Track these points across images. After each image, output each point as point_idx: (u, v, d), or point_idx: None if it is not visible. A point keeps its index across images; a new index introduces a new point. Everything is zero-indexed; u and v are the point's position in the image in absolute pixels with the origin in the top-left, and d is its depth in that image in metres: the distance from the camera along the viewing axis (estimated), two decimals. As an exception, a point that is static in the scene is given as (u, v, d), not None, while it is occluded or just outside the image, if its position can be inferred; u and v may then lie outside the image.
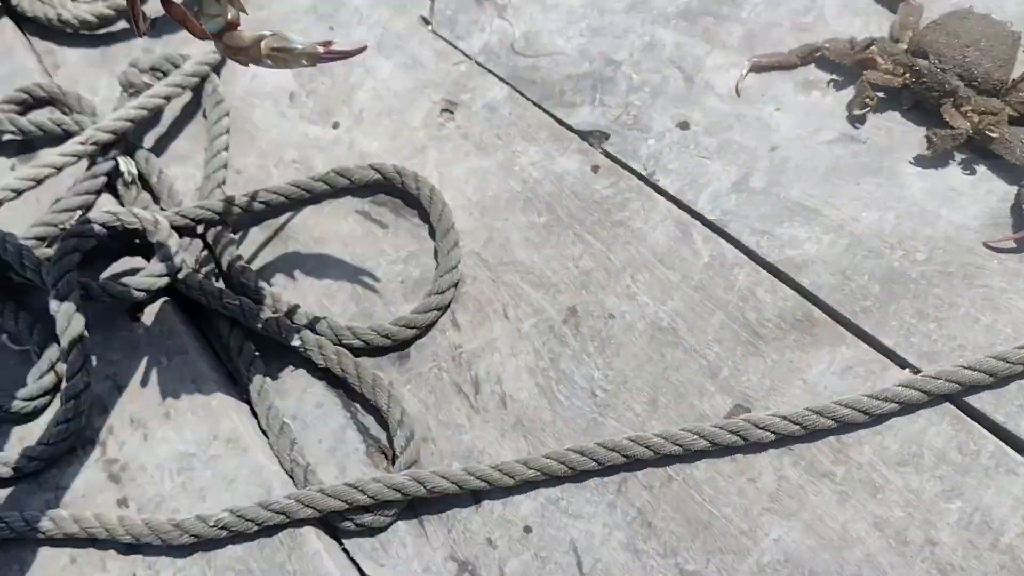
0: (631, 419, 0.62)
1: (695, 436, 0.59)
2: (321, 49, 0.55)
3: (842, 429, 0.59)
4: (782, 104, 0.73)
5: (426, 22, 0.83)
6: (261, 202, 0.73)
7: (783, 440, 0.59)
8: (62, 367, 0.67)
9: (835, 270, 0.64)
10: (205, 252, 0.74)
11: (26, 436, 0.68)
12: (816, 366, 0.62)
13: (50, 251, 0.71)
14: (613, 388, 0.63)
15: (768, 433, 0.59)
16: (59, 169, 0.73)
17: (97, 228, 0.70)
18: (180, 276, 0.70)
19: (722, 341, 0.64)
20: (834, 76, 0.73)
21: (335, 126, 0.79)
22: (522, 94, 0.77)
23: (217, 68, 0.82)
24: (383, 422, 0.64)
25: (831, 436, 0.59)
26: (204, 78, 0.80)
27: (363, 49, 0.56)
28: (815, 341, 0.62)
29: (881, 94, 0.71)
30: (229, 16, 0.55)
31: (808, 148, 0.70)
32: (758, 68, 0.75)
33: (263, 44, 0.55)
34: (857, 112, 0.70)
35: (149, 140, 0.81)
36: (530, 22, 0.81)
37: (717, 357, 0.63)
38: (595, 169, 0.72)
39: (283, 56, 0.55)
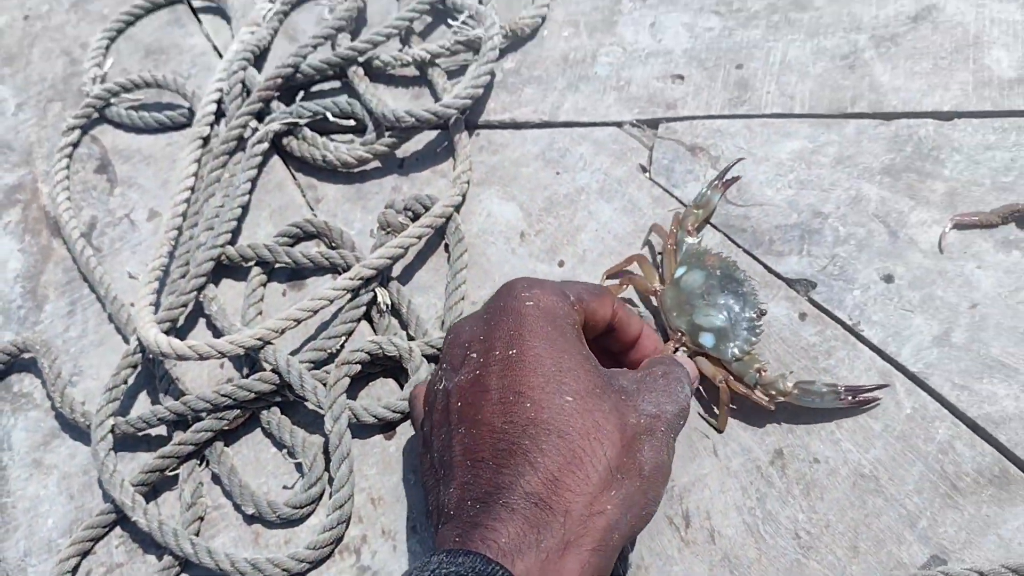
0: (832, 562, 0.71)
1: (894, 583, 0.68)
2: (843, 400, 0.76)
3: (1037, 587, 0.66)
4: (983, 262, 0.81)
5: (644, 170, 0.95)
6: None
7: (979, 593, 0.67)
8: (325, 476, 0.83)
9: (1033, 430, 0.72)
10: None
11: (292, 539, 0.84)
12: (1012, 522, 0.69)
13: (318, 372, 0.88)
14: (816, 531, 0.72)
15: (964, 585, 0.67)
16: (331, 301, 0.89)
17: (362, 356, 0.85)
18: (429, 400, 0.84)
19: (921, 492, 0.72)
20: (1035, 237, 0.81)
21: (560, 264, 0.92)
22: (733, 241, 0.88)
23: (458, 207, 0.97)
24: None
25: (1026, 593, 0.66)
26: (448, 218, 0.95)
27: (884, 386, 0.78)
28: (1011, 497, 0.70)
29: (1084, 256, 0.78)
30: (756, 366, 0.78)
31: (1009, 307, 0.78)
32: (960, 226, 0.83)
33: (792, 386, 0.77)
34: (1058, 275, 0.78)
35: (397, 269, 0.97)
36: (742, 173, 0.92)
37: (916, 507, 0.72)
38: (802, 317, 0.82)
39: (811, 394, 0.77)
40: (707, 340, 0.77)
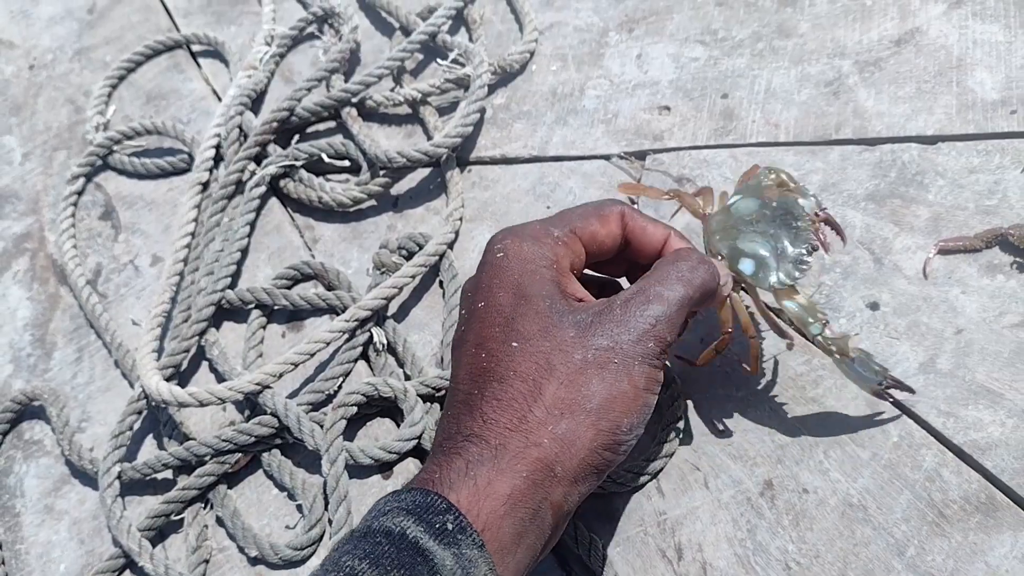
0: (822, 592, 0.72)
1: (882, 613, 0.68)
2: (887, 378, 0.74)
3: (1024, 615, 0.66)
4: (967, 287, 0.81)
5: (633, 202, 0.96)
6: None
7: (966, 623, 0.67)
8: (325, 518, 0.85)
9: (1018, 454, 0.72)
10: (443, 414, 0.90)
11: (296, 581, 0.85)
12: (999, 549, 0.70)
13: (316, 414, 0.89)
14: (806, 561, 0.73)
15: (952, 615, 0.67)
16: (328, 344, 0.91)
17: (358, 398, 0.87)
18: (424, 439, 0.86)
19: (909, 520, 0.73)
20: (1017, 259, 0.81)
21: (552, 299, 0.93)
22: (720, 272, 0.89)
23: (451, 244, 0.99)
24: (598, 583, 0.77)
25: (1013, 621, 0.67)
26: (442, 255, 0.97)
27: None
28: (998, 524, 0.70)
29: (1066, 278, 0.78)
30: (821, 317, 0.75)
31: (993, 332, 0.79)
32: (944, 251, 0.83)
33: (851, 341, 0.75)
34: (1042, 298, 0.78)
35: (393, 307, 0.98)
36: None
37: (904, 535, 0.72)
38: (789, 347, 0.82)
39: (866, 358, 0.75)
40: (746, 267, 0.74)
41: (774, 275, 0.74)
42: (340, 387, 0.93)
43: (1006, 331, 0.78)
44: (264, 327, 1.00)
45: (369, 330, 0.94)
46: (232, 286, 1.03)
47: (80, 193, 1.20)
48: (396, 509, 0.57)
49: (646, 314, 0.63)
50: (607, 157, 1.01)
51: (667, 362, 0.73)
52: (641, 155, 1.00)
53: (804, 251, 0.74)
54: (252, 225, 1.07)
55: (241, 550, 0.88)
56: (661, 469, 0.81)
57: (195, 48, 1.32)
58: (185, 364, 0.99)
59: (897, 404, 0.78)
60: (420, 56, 1.18)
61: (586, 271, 0.76)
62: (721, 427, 0.81)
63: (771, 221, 0.75)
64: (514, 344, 0.62)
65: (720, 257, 0.76)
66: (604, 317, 0.63)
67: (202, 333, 0.99)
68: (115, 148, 1.21)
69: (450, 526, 0.55)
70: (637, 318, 0.63)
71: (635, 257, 0.72)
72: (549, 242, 0.67)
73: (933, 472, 0.74)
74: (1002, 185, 0.86)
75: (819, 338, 0.74)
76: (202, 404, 0.89)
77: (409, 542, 0.54)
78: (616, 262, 0.76)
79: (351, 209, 1.07)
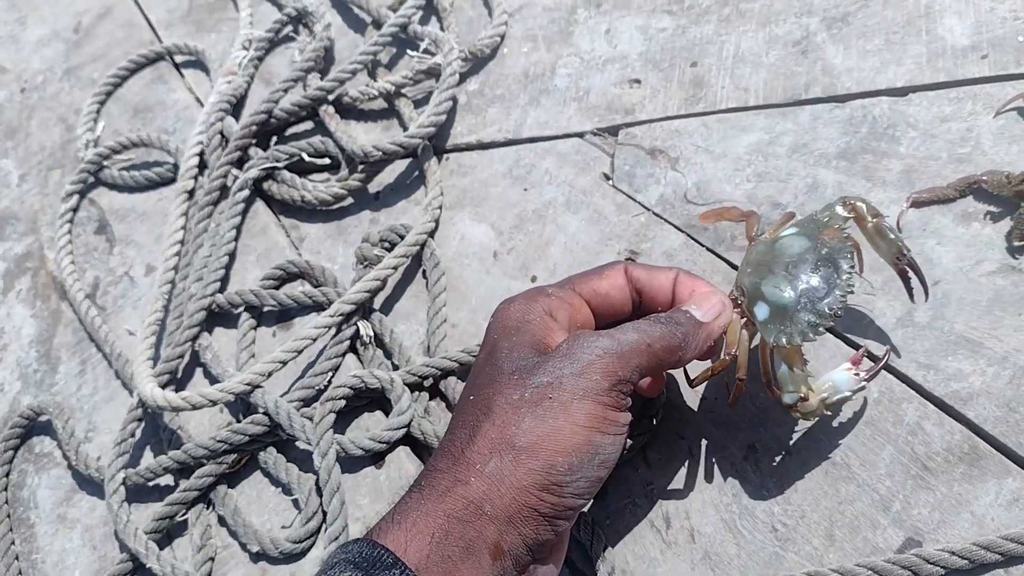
0: (809, 552, 0.71)
1: (870, 572, 0.67)
2: (865, 379, 0.70)
3: (1009, 562, 0.65)
4: (942, 238, 0.79)
5: (607, 178, 0.95)
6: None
7: (951, 574, 0.66)
8: (320, 510, 0.85)
9: (1000, 403, 0.71)
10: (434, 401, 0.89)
11: (296, 572, 0.85)
12: (984, 498, 0.68)
13: (308, 409, 0.89)
14: (792, 523, 0.72)
15: (938, 568, 0.66)
16: (314, 340, 0.90)
17: (345, 391, 0.87)
18: (413, 426, 0.85)
19: (893, 475, 0.71)
20: (991, 207, 0.79)
21: (533, 279, 0.93)
22: (696, 240, 0.88)
23: (432, 233, 0.98)
24: (587, 557, 0.76)
25: (999, 569, 0.65)
26: (423, 245, 0.96)
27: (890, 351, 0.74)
28: (982, 474, 0.69)
29: (1040, 222, 0.76)
30: (803, 392, 0.69)
31: (970, 281, 0.77)
32: (918, 204, 0.82)
33: (824, 404, 0.70)
34: (1017, 243, 0.76)
35: (379, 301, 0.98)
36: (701, 171, 0.91)
37: (888, 491, 0.71)
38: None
39: (839, 403, 0.71)
40: (760, 312, 0.69)
41: (784, 334, 0.68)
42: (330, 382, 0.92)
43: (983, 279, 0.77)
44: (255, 328, 1.00)
45: (355, 323, 0.94)
46: (222, 290, 1.03)
47: (75, 210, 1.21)
48: (344, 562, 0.56)
49: (593, 346, 0.61)
50: (580, 135, 1.00)
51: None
52: (614, 130, 0.99)
53: (830, 310, 0.67)
54: (238, 229, 1.07)
55: (244, 547, 0.89)
56: (646, 440, 0.80)
57: (177, 58, 1.32)
58: (181, 370, 1.00)
59: (877, 360, 0.76)
60: (394, 49, 1.17)
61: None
62: (702, 395, 0.80)
63: (812, 267, 0.68)
64: (471, 397, 0.63)
65: (741, 292, 0.71)
66: (552, 356, 0.61)
67: (195, 338, 0.99)
68: (106, 163, 1.21)
69: None
70: (583, 350, 0.61)
71: (652, 307, 0.70)
72: (541, 298, 0.66)
73: (915, 425, 0.73)
74: (975, 132, 0.84)
75: (787, 406, 0.70)
76: (194, 407, 0.89)
77: None
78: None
79: (334, 206, 1.07)
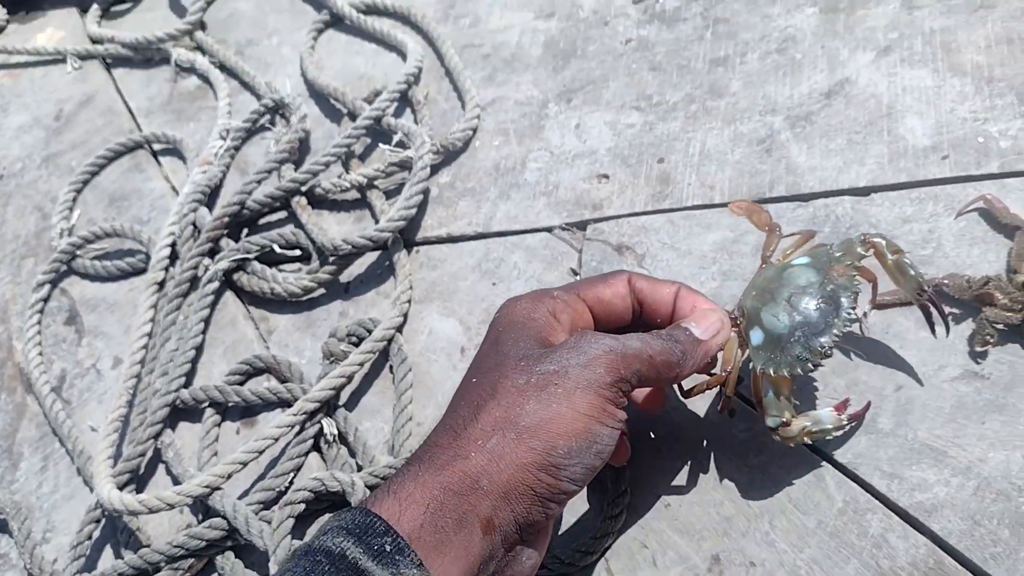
0: (772, 672, 0.68)
1: None
2: (846, 422, 0.72)
3: None
4: (904, 342, 0.79)
5: (575, 273, 0.95)
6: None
7: None
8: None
9: (964, 515, 0.69)
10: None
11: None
12: (950, 617, 0.66)
13: (268, 513, 0.87)
14: (754, 640, 0.70)
15: None
16: (276, 439, 0.89)
17: (305, 495, 0.85)
18: (374, 531, 0.83)
19: (857, 590, 0.69)
20: (953, 310, 0.78)
21: (499, 377, 0.91)
22: (662, 339, 0.86)
23: (400, 327, 0.97)
24: (548, 674, 0.74)
25: None
26: (391, 340, 0.95)
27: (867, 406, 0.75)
28: (947, 590, 0.67)
29: (1001, 326, 0.75)
30: (786, 416, 0.71)
31: (933, 387, 0.76)
32: (880, 306, 0.81)
33: (805, 432, 0.71)
34: (979, 349, 0.75)
35: (345, 394, 0.96)
36: (667, 269, 0.91)
37: (852, 607, 0.69)
38: (731, 413, 0.79)
39: (820, 436, 0.72)
40: (755, 337, 0.70)
41: (772, 363, 0.70)
42: (292, 482, 0.90)
43: (946, 385, 0.75)
44: (219, 424, 0.98)
45: (319, 421, 0.92)
46: (187, 384, 1.02)
47: (46, 300, 1.20)
48: (337, 528, 0.57)
49: (600, 342, 0.63)
50: (549, 229, 1.00)
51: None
52: (582, 225, 0.98)
53: (821, 348, 0.69)
54: (207, 321, 1.06)
55: (200, 656, 0.86)
56: (609, 546, 0.78)
57: (155, 147, 1.32)
58: (143, 468, 0.98)
59: (841, 468, 0.75)
60: (368, 140, 1.17)
61: None
62: (667, 501, 0.78)
63: (813, 300, 0.70)
64: (473, 380, 0.65)
65: (740, 312, 0.73)
66: (559, 347, 0.64)
67: (157, 435, 0.97)
68: (78, 253, 1.21)
69: (388, 548, 0.55)
70: (590, 344, 0.63)
71: (652, 318, 0.72)
72: (547, 299, 0.69)
73: (880, 538, 0.71)
74: (936, 233, 0.84)
75: (770, 428, 0.72)
76: (151, 511, 0.87)
77: (348, 563, 0.54)
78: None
79: (303, 298, 1.06)
